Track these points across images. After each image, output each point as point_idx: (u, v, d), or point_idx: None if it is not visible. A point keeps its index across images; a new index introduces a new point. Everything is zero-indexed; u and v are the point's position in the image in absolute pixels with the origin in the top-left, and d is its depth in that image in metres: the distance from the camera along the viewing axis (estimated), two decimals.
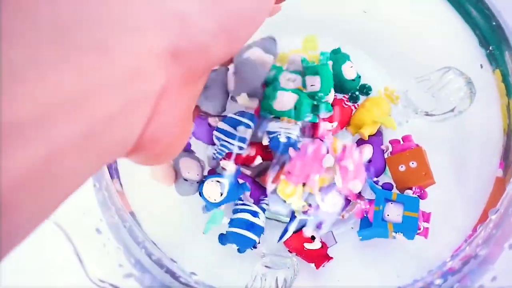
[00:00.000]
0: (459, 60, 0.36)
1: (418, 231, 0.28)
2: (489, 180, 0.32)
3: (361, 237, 0.30)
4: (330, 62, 0.31)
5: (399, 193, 0.30)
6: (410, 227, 0.28)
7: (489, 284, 0.25)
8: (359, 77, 0.34)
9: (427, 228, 0.29)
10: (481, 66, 0.36)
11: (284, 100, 0.29)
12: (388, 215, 0.29)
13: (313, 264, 0.31)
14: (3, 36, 0.10)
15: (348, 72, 0.33)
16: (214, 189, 0.29)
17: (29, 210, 0.11)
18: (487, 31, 0.36)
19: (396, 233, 0.28)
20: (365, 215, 0.30)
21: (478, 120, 0.34)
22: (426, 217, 0.29)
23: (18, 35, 0.11)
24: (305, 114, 0.29)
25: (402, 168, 0.31)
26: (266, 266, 0.32)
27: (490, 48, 0.35)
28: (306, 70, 0.31)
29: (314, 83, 0.30)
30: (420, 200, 0.29)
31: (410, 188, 0.30)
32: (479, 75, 0.35)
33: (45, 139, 0.11)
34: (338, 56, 0.33)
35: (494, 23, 0.35)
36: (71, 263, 0.25)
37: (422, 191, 0.30)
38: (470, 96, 0.35)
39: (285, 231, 0.31)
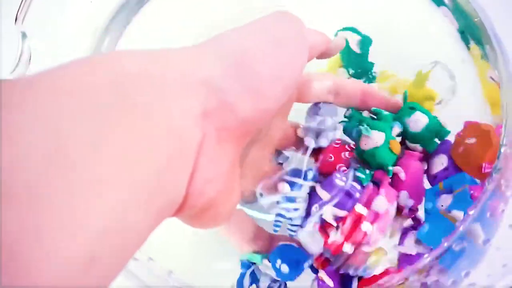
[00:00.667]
0: (441, 54, 0.36)
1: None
2: None
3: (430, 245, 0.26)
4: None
5: (445, 180, 0.27)
6: (462, 200, 0.25)
7: None
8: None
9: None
10: (463, 61, 0.36)
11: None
12: (442, 205, 0.26)
13: None
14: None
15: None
16: None
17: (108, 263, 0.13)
18: (468, 26, 0.36)
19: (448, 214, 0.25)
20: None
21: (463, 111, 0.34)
22: (478, 189, 0.25)
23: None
24: None
25: (461, 149, 0.27)
26: None
27: (471, 42, 0.35)
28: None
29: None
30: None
31: (480, 168, 0.26)
32: (460, 67, 0.36)
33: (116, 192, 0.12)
34: (365, 39, 0.35)
35: (476, 19, 0.35)
36: None
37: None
38: (453, 88, 0.35)
39: None
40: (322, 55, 0.25)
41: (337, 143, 0.29)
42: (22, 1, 0.29)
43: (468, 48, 0.36)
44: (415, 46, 0.36)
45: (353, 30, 0.35)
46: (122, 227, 0.12)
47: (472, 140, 0.27)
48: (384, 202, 0.26)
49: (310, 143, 0.27)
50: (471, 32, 0.35)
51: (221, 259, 0.32)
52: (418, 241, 0.28)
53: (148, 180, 0.13)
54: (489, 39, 0.33)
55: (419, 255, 0.28)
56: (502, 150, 0.28)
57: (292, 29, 0.20)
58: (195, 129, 0.16)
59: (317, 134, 0.28)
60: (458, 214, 0.25)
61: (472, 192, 0.25)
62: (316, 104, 0.28)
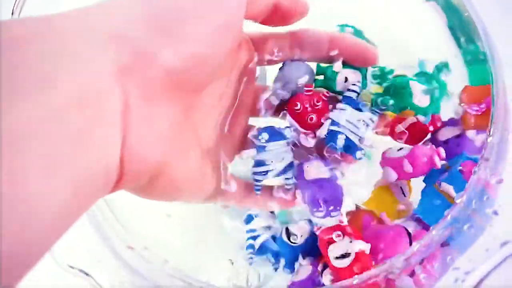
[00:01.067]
0: (433, 53, 0.36)
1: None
2: None
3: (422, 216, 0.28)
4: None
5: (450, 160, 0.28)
6: (455, 178, 0.27)
7: None
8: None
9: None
10: (456, 56, 0.37)
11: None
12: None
13: None
14: None
15: None
16: None
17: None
18: (459, 23, 0.36)
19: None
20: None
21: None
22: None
23: None
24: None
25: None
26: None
27: (462, 40, 0.36)
28: None
29: None
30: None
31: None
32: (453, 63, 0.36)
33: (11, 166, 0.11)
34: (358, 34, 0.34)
35: (465, 14, 0.35)
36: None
37: None
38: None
39: None
40: (278, 12, 0.21)
41: (308, 91, 0.27)
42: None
43: (459, 44, 0.36)
44: (408, 42, 0.36)
45: (347, 26, 0.36)
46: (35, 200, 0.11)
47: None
48: None
49: (274, 100, 0.27)
50: (461, 27, 0.36)
51: (217, 249, 0.32)
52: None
53: (59, 152, 0.12)
54: (479, 35, 0.33)
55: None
56: (489, 139, 0.28)
57: None
58: (112, 89, 0.14)
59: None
60: (447, 187, 0.27)
61: (461, 168, 0.27)
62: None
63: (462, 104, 0.31)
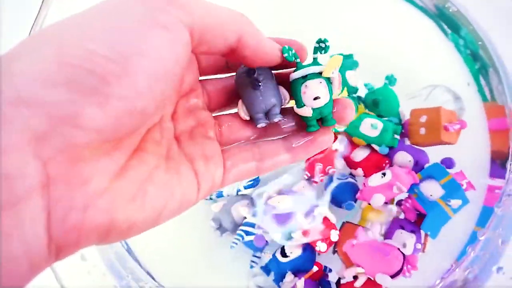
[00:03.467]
0: (447, 78, 0.36)
1: (464, 188, 0.29)
2: (479, 199, 0.32)
3: (429, 233, 0.30)
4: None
5: (421, 172, 0.31)
6: (454, 189, 0.29)
7: None
8: (357, 88, 0.35)
9: (469, 181, 0.30)
10: (468, 84, 0.37)
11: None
12: (431, 195, 0.30)
13: None
14: None
15: (352, 79, 0.34)
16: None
17: None
18: (473, 51, 0.36)
19: (449, 206, 0.29)
20: (417, 212, 0.31)
21: (467, 139, 0.34)
22: (461, 175, 0.30)
23: None
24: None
25: (421, 130, 0.32)
26: (258, 287, 0.32)
27: (476, 66, 0.36)
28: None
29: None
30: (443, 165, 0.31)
31: (445, 128, 0.31)
32: (466, 92, 0.36)
33: None
34: (347, 61, 0.35)
35: (480, 43, 0.35)
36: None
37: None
38: (459, 112, 0.36)
39: None
40: (249, 55, 0.17)
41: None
42: (36, 16, 0.29)
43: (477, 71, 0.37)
44: (422, 69, 0.36)
45: (342, 55, 0.36)
46: None
47: (424, 118, 0.32)
48: None
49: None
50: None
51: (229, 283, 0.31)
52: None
53: None
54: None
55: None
56: (511, 174, 0.28)
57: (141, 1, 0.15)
58: (25, 164, 0.13)
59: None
60: (456, 202, 0.29)
61: (460, 182, 0.29)
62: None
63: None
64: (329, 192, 0.33)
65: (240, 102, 0.20)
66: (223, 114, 0.21)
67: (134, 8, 0.15)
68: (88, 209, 0.14)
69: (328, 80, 0.19)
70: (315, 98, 0.19)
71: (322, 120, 0.19)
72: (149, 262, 0.30)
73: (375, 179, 0.31)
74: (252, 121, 0.20)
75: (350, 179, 0.33)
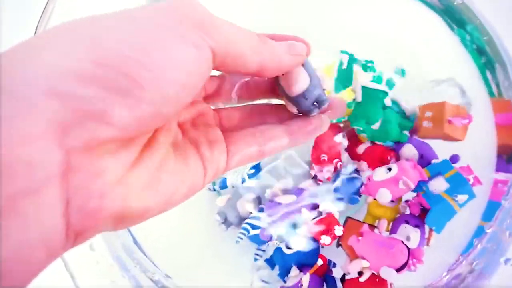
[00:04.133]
0: (453, 73, 0.36)
1: (471, 183, 0.29)
2: (484, 193, 0.32)
3: (434, 228, 0.29)
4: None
5: (429, 169, 0.31)
6: (460, 184, 0.29)
7: None
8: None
9: (475, 176, 0.29)
10: (478, 78, 0.37)
11: None
12: (435, 189, 0.30)
13: None
14: None
15: (359, 74, 0.35)
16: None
17: None
18: (479, 46, 0.36)
19: (455, 200, 0.29)
20: (421, 207, 0.31)
21: (473, 134, 0.34)
22: (467, 170, 0.30)
23: None
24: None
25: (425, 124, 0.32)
26: (263, 281, 0.32)
27: (482, 61, 0.36)
28: None
29: None
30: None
31: (449, 122, 0.31)
32: (472, 86, 0.36)
33: None
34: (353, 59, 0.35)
35: (486, 38, 0.35)
36: (63, 280, 0.24)
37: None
38: (466, 106, 0.36)
39: None
40: (263, 70, 0.19)
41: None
42: (42, 14, 0.29)
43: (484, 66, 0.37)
44: (428, 64, 0.36)
45: (346, 53, 0.36)
46: None
47: (429, 114, 0.32)
48: None
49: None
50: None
51: (235, 277, 0.31)
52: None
53: None
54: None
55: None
56: None
57: (177, 17, 0.16)
58: (48, 152, 0.13)
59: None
60: (463, 197, 0.29)
61: (467, 177, 0.29)
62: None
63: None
64: (334, 187, 0.33)
65: (286, 100, 0.22)
66: (225, 108, 0.22)
67: (171, 23, 0.16)
68: (105, 197, 0.15)
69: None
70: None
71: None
72: (155, 254, 0.30)
73: (380, 174, 0.31)
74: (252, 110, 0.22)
75: (355, 175, 0.34)
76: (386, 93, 0.34)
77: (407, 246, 0.28)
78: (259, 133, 0.21)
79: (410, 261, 0.28)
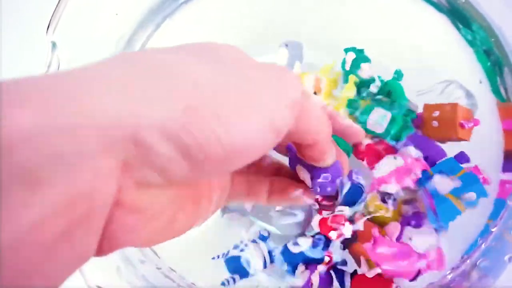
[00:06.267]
0: (459, 75, 0.36)
1: (482, 182, 0.28)
2: (491, 195, 0.32)
3: (437, 228, 0.29)
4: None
5: (432, 168, 0.31)
6: (469, 182, 0.28)
7: None
8: (373, 79, 0.35)
9: (483, 177, 0.29)
10: (480, 82, 0.37)
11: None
12: (441, 190, 0.29)
13: None
14: None
15: (366, 71, 0.35)
16: None
17: None
18: (486, 47, 0.36)
19: (462, 199, 0.28)
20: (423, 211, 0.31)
21: (479, 136, 0.34)
22: (476, 170, 0.30)
23: None
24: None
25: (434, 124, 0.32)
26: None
27: (489, 63, 0.36)
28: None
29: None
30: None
31: (461, 125, 0.31)
32: (478, 90, 0.36)
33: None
34: (360, 55, 0.35)
35: (493, 39, 0.35)
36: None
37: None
38: (472, 109, 0.36)
39: None
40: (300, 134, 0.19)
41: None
42: (53, 13, 0.30)
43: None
44: (435, 64, 0.37)
45: (354, 49, 0.36)
46: None
47: (436, 113, 0.32)
48: None
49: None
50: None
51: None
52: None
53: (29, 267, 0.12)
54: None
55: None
56: None
57: (273, 73, 0.16)
58: (105, 187, 0.13)
59: None
60: (471, 196, 0.28)
61: (479, 176, 0.29)
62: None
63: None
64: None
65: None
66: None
67: (270, 96, 0.16)
68: (137, 234, 0.16)
69: None
70: None
71: None
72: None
73: (389, 162, 0.31)
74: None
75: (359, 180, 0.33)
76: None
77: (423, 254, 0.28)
78: (246, 183, 0.23)
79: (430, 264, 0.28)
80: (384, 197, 0.32)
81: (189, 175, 0.15)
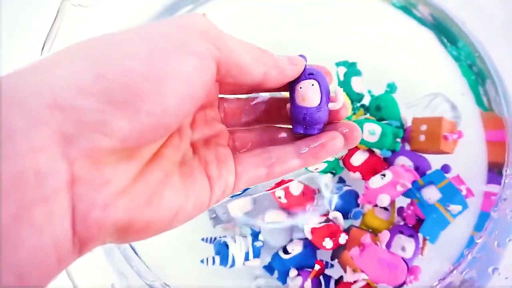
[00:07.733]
0: (443, 88, 0.38)
1: (464, 194, 0.30)
2: (476, 207, 0.33)
3: (428, 237, 0.30)
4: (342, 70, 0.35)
5: (422, 178, 0.32)
6: (451, 194, 0.30)
7: None
8: (363, 95, 0.36)
9: (468, 188, 0.30)
10: (463, 94, 0.38)
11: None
12: (429, 198, 0.30)
13: None
14: None
15: (357, 85, 0.36)
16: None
17: None
18: (471, 62, 0.37)
19: (448, 211, 0.29)
20: (416, 218, 0.31)
21: (464, 148, 0.35)
22: (458, 180, 0.31)
23: None
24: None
25: (420, 138, 0.33)
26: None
27: (473, 77, 0.37)
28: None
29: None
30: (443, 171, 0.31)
31: (445, 138, 0.32)
32: (462, 102, 0.37)
33: None
34: (351, 69, 0.36)
35: (476, 54, 0.37)
36: (63, 285, 0.25)
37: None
38: (456, 120, 0.37)
39: None
40: (268, 80, 0.19)
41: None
42: (48, 32, 0.30)
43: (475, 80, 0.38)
44: (421, 78, 0.38)
45: (346, 63, 0.37)
46: None
47: (424, 127, 0.33)
48: None
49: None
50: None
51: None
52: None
53: None
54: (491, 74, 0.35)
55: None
56: (507, 180, 0.29)
57: (183, 29, 0.17)
58: (54, 164, 0.14)
59: None
60: (456, 208, 0.29)
61: (459, 188, 0.30)
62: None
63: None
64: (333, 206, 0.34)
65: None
66: (238, 129, 0.23)
67: (176, 34, 0.16)
68: (108, 208, 0.15)
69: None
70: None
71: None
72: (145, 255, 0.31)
73: (376, 181, 0.32)
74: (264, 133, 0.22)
75: (347, 188, 0.34)
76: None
77: (406, 263, 0.29)
78: (266, 154, 0.21)
79: (407, 278, 0.28)
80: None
81: (132, 129, 0.15)
